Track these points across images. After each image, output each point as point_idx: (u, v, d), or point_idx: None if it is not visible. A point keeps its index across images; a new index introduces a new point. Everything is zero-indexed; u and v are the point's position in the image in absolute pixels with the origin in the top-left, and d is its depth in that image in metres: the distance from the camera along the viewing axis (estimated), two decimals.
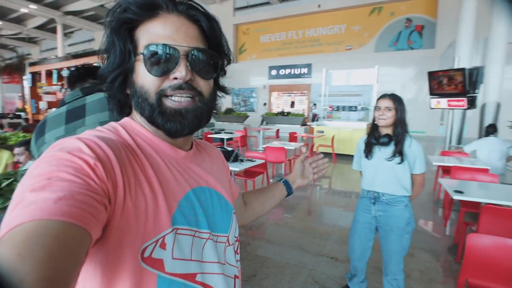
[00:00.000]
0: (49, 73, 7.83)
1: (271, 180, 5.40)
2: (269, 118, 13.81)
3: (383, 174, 1.83)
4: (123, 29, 0.48)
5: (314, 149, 7.43)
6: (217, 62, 0.54)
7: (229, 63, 0.58)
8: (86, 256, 0.35)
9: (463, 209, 2.88)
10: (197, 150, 0.62)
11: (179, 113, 0.49)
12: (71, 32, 21.74)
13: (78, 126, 0.95)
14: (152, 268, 0.44)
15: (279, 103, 16.72)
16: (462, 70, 6.32)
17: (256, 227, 3.42)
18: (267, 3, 15.64)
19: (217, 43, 0.54)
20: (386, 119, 1.77)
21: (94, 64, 1.50)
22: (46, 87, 7.90)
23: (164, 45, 0.47)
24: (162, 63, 0.47)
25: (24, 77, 15.25)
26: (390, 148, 1.79)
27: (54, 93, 7.91)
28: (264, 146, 5.45)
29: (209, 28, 0.52)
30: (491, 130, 4.26)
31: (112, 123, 0.53)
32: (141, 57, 0.48)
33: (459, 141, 8.05)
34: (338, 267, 2.54)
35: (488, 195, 2.57)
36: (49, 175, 0.35)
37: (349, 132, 7.95)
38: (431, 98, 7.30)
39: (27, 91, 10.07)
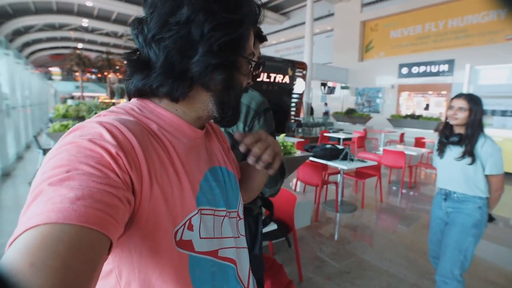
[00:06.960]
0: None
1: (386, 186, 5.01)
2: (395, 120, 12.61)
3: (455, 174, 1.80)
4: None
5: None
6: None
7: None
8: (108, 255, 0.36)
9: None
10: (207, 128, 0.62)
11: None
12: None
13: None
14: (184, 249, 0.47)
15: (410, 104, 14.98)
16: None
17: (361, 229, 3.32)
18: None
19: None
20: (457, 119, 1.75)
21: None
22: None
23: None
24: (254, 72, 0.57)
25: None
26: (461, 148, 1.76)
27: None
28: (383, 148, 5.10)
29: None
30: None
31: (126, 104, 0.52)
32: (246, 59, 0.53)
33: None
34: None
35: None
36: (68, 167, 0.35)
37: (500, 143, 6.30)
38: None
39: None
